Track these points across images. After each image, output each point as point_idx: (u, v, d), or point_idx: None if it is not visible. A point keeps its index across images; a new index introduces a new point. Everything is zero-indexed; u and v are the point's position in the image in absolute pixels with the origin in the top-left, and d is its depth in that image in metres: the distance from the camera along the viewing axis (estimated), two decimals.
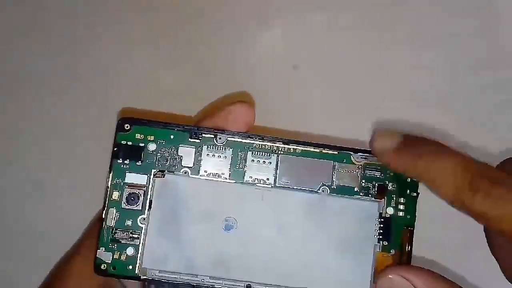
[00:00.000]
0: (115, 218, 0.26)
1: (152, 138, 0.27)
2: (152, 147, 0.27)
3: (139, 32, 0.42)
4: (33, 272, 0.34)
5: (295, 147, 0.27)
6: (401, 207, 0.27)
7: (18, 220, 0.39)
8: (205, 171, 0.27)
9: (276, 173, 0.27)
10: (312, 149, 0.27)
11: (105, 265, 0.25)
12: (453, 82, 0.41)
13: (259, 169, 0.27)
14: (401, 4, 0.42)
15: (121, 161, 0.26)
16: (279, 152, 0.27)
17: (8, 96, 0.42)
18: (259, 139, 0.27)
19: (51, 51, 0.42)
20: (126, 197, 0.26)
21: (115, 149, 0.27)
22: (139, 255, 0.26)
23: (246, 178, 0.27)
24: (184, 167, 0.27)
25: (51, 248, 0.34)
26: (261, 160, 0.27)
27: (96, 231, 0.26)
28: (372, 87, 0.41)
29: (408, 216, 0.26)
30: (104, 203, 0.26)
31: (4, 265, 0.39)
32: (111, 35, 0.42)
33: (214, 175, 0.27)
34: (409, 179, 0.27)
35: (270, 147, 0.27)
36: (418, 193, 0.27)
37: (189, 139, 0.27)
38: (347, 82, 0.41)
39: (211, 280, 0.25)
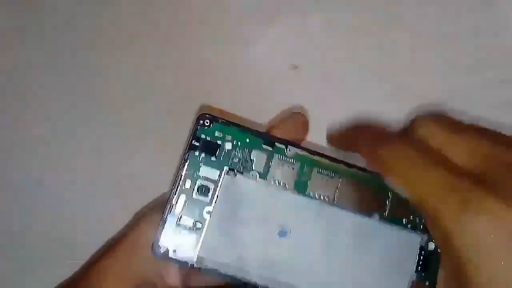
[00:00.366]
0: (184, 205, 0.27)
1: (229, 138, 0.28)
2: (228, 146, 0.28)
3: (138, 31, 0.42)
4: (33, 272, 0.35)
5: (356, 171, 0.29)
6: None
7: (18, 220, 0.39)
8: (273, 177, 0.28)
9: (336, 192, 0.29)
10: (370, 175, 0.29)
11: (166, 248, 0.27)
12: (453, 82, 0.41)
13: (321, 186, 0.28)
14: (401, 4, 0.42)
15: (197, 154, 0.27)
16: (341, 173, 0.29)
17: (9, 96, 0.41)
18: (326, 157, 0.28)
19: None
20: (198, 187, 0.27)
21: (193, 141, 0.28)
22: (199, 244, 0.27)
23: (308, 192, 0.28)
24: (254, 170, 0.28)
25: (52, 249, 0.36)
26: (325, 178, 0.29)
27: (151, 216, 0.28)
28: (372, 87, 0.41)
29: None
30: (175, 189, 0.28)
31: (4, 265, 0.39)
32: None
33: (280, 183, 0.28)
34: None
35: (335, 167, 0.29)
36: None
37: (263, 146, 0.28)
38: (347, 82, 0.41)
39: (258, 279, 0.27)
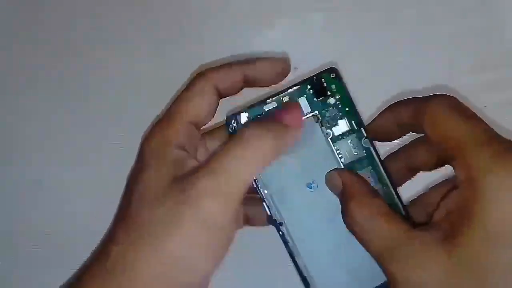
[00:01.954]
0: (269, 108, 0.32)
1: (338, 95, 0.33)
2: (332, 101, 0.33)
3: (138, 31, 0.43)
4: (34, 272, 0.35)
5: None
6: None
7: (19, 219, 0.40)
8: (337, 149, 0.33)
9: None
10: None
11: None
12: (453, 82, 0.41)
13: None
14: (401, 4, 0.42)
15: (308, 87, 0.32)
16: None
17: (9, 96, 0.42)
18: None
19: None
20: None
21: (312, 78, 0.32)
22: None
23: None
24: (331, 132, 0.33)
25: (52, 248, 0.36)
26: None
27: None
28: (372, 87, 0.42)
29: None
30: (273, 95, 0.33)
31: (5, 264, 0.39)
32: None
33: (340, 153, 0.33)
34: None
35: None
36: None
37: (353, 122, 0.33)
38: (347, 82, 0.42)
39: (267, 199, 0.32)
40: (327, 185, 0.32)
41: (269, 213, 0.31)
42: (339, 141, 0.32)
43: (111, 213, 0.35)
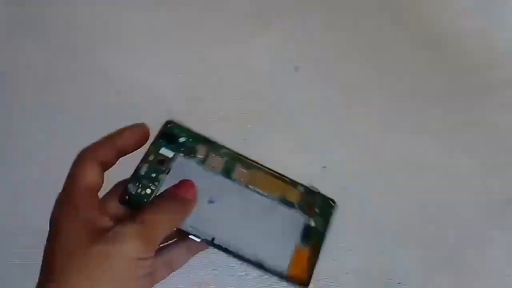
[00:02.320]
0: (145, 170, 0.40)
1: (184, 134, 0.42)
2: (182, 139, 0.41)
3: (138, 31, 0.46)
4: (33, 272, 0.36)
5: (269, 170, 0.43)
6: (318, 223, 0.43)
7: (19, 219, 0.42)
8: (209, 164, 0.41)
9: (250, 180, 0.42)
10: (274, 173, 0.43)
11: (128, 197, 0.38)
12: (453, 82, 0.42)
13: (241, 175, 0.42)
14: (401, 4, 0.43)
15: (161, 140, 0.40)
16: (257, 169, 0.42)
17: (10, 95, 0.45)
18: (243, 158, 0.42)
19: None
20: (158, 160, 0.40)
21: (160, 132, 0.41)
22: (152, 196, 0.39)
23: (232, 177, 0.42)
24: (198, 157, 0.41)
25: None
26: (244, 170, 0.42)
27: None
28: (372, 87, 0.44)
29: (322, 229, 0.42)
30: (141, 160, 0.40)
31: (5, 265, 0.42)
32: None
33: (213, 167, 0.41)
34: (329, 210, 0.43)
35: (253, 164, 0.42)
36: (331, 218, 0.43)
37: (205, 143, 0.42)
38: (347, 82, 0.44)
39: (189, 228, 0.39)
40: None
41: (199, 240, 0.39)
42: (207, 160, 0.41)
43: None
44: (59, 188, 0.36)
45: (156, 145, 0.41)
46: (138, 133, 0.39)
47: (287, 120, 0.43)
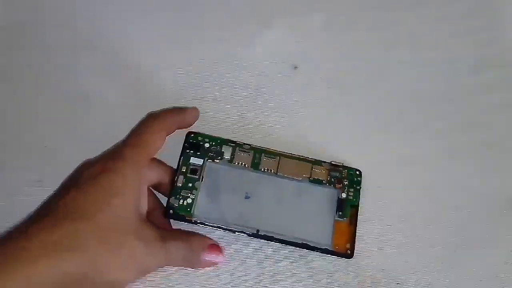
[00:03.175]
0: (182, 181, 0.42)
1: (207, 140, 0.44)
2: (207, 145, 0.44)
3: (138, 31, 0.44)
4: None
5: (291, 154, 0.45)
6: (351, 194, 0.45)
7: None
8: (237, 161, 0.44)
9: (277, 167, 0.44)
10: (300, 156, 0.45)
11: (172, 210, 0.41)
12: (453, 82, 0.40)
13: (268, 164, 0.44)
14: (401, 4, 0.42)
15: (188, 151, 0.42)
16: (280, 156, 0.45)
17: (13, 94, 0.43)
18: (266, 148, 0.45)
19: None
20: (190, 169, 0.42)
21: (185, 144, 0.43)
22: (193, 205, 0.42)
23: (260, 168, 0.44)
24: (225, 158, 0.43)
25: None
26: (269, 159, 0.44)
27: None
28: (372, 87, 0.43)
29: (354, 199, 0.45)
30: (177, 172, 0.43)
31: None
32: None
33: (242, 164, 0.44)
34: (356, 178, 0.45)
35: (275, 152, 0.45)
36: (360, 187, 0.45)
37: (229, 144, 0.44)
38: (347, 82, 0.43)
39: (234, 226, 0.42)
40: None
41: (254, 232, 0.41)
42: (234, 158, 0.44)
43: None
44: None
45: (185, 157, 0.44)
46: (195, 113, 0.42)
47: (287, 120, 0.43)
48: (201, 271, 0.42)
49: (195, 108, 0.42)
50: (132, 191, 0.36)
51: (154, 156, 0.40)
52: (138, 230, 0.36)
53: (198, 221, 0.42)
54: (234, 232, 0.42)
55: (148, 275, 0.39)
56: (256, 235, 0.42)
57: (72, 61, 0.44)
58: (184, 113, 0.41)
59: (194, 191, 0.43)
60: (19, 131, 0.42)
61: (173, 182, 0.43)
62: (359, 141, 0.42)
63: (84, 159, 0.35)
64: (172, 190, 0.42)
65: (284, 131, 0.45)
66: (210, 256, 0.40)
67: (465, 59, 0.41)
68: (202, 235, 0.41)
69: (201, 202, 0.43)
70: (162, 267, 0.41)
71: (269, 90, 0.45)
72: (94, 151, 0.35)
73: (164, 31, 0.45)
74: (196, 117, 0.42)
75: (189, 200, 0.42)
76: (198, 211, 0.42)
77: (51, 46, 0.45)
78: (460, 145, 0.40)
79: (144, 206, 0.39)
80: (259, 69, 0.44)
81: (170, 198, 0.42)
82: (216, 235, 0.43)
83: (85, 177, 0.34)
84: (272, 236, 0.42)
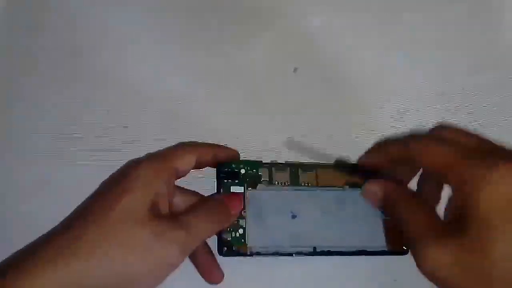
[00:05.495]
0: None
1: (241, 165, 0.43)
2: (243, 171, 0.42)
3: (137, 32, 0.44)
4: None
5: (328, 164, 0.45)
6: None
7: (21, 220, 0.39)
8: (276, 181, 0.43)
9: (316, 179, 0.44)
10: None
11: (226, 247, 0.40)
12: (453, 82, 0.41)
13: (306, 177, 0.44)
14: (401, 4, 0.42)
15: (226, 181, 0.41)
16: (317, 168, 0.44)
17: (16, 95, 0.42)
18: (301, 162, 0.44)
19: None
20: None
21: (220, 174, 0.42)
22: (246, 236, 0.41)
23: (300, 182, 0.43)
24: (263, 180, 0.43)
25: None
26: (307, 172, 0.44)
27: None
28: (372, 87, 0.43)
29: None
30: None
31: None
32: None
33: (281, 184, 0.43)
34: None
35: (311, 164, 0.44)
36: None
37: (263, 164, 0.43)
38: (347, 83, 0.43)
39: (291, 249, 0.41)
40: (364, 195, 0.38)
41: (311, 250, 0.41)
42: (273, 177, 0.43)
43: None
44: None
45: (225, 187, 0.43)
46: (233, 151, 0.42)
47: (286, 120, 0.42)
48: None
49: (235, 149, 0.42)
50: (144, 188, 0.35)
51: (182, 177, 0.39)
52: (150, 223, 0.34)
53: (255, 252, 0.41)
54: (291, 255, 0.41)
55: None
56: (314, 253, 0.41)
57: None
58: (222, 148, 0.41)
59: (241, 221, 0.42)
60: None
61: None
62: (359, 141, 0.42)
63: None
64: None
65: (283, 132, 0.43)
66: (233, 204, 0.40)
67: (464, 60, 0.41)
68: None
69: (251, 231, 0.42)
70: (187, 250, 0.36)
71: (269, 90, 0.44)
72: None
73: (163, 32, 0.44)
74: (235, 156, 0.42)
75: (241, 231, 0.41)
76: (252, 241, 0.41)
77: None
78: None
79: (165, 205, 0.37)
80: (259, 70, 0.43)
81: (222, 233, 0.41)
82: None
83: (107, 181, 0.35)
84: (330, 251, 0.41)
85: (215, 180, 0.43)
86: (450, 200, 0.33)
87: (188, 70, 0.44)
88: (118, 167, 0.35)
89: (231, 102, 0.42)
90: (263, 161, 0.44)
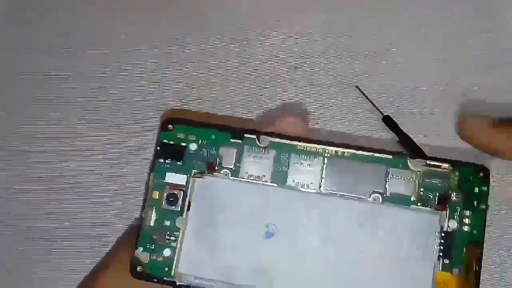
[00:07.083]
0: (154, 218, 0.25)
1: (193, 137, 0.26)
2: (193, 147, 0.26)
3: (137, 32, 0.43)
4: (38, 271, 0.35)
5: (343, 150, 0.25)
6: (467, 220, 0.24)
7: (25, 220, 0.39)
8: (246, 173, 0.25)
9: (321, 177, 0.25)
10: (363, 153, 0.25)
11: (142, 267, 0.25)
12: (453, 82, 0.41)
13: (303, 172, 0.25)
14: (401, 4, 0.43)
15: (162, 161, 0.25)
16: (326, 155, 0.25)
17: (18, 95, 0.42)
18: (304, 141, 0.25)
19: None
20: (166, 196, 0.25)
21: (157, 148, 0.26)
22: (175, 258, 0.25)
23: (289, 182, 0.25)
24: (224, 168, 0.25)
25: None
26: (306, 163, 0.25)
27: (127, 241, 0.26)
28: (371, 87, 0.41)
29: (475, 232, 0.24)
30: (144, 202, 0.26)
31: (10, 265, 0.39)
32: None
33: (255, 177, 0.25)
34: (477, 189, 0.24)
35: (316, 149, 0.25)
36: (487, 205, 0.24)
37: (231, 140, 0.25)
38: (347, 83, 0.41)
39: None
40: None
41: None
42: (241, 167, 0.26)
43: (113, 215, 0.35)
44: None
45: (158, 172, 0.26)
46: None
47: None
48: None
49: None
50: None
51: None
52: None
53: (184, 286, 0.24)
54: None
55: None
56: None
57: None
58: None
59: (174, 234, 0.25)
60: None
61: (140, 220, 0.26)
62: (359, 141, 0.38)
63: None
64: (138, 235, 0.25)
65: None
66: None
67: (465, 59, 0.41)
68: None
69: (187, 252, 0.25)
70: None
71: (269, 91, 0.41)
72: None
73: (162, 32, 0.43)
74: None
75: (167, 252, 0.25)
76: (183, 268, 0.25)
77: None
78: None
79: None
80: (260, 70, 0.42)
81: (137, 249, 0.25)
82: None
83: None
84: None
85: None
86: None
87: (187, 68, 0.42)
88: None
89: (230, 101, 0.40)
90: (231, 129, 0.27)
